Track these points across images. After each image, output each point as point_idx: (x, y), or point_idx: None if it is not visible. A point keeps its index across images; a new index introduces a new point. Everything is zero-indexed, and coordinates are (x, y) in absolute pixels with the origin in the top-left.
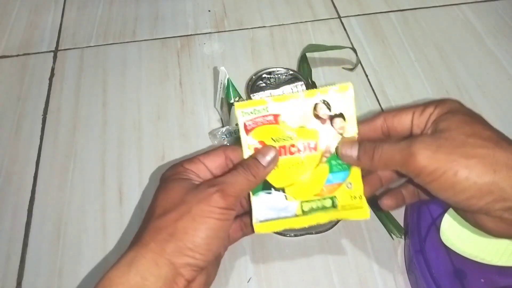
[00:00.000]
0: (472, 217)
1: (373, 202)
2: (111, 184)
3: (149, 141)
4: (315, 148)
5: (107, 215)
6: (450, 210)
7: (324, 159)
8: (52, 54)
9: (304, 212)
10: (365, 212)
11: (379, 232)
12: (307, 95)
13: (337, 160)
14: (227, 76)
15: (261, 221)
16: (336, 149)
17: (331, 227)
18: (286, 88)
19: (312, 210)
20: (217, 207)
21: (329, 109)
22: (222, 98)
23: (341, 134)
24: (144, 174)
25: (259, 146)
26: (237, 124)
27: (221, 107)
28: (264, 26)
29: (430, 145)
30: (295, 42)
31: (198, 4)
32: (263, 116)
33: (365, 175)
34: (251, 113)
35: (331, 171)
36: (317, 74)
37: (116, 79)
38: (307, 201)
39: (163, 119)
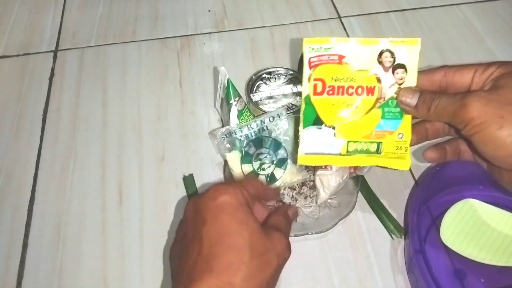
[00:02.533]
0: (508, 176)
1: (373, 201)
2: (111, 184)
3: (149, 141)
4: (372, 93)
5: (107, 215)
6: (450, 210)
7: (378, 104)
8: (52, 54)
9: (348, 152)
10: (407, 163)
11: (379, 232)
12: (374, 42)
13: (390, 107)
14: (227, 76)
15: (306, 153)
16: (396, 94)
17: (332, 227)
18: (286, 88)
19: (356, 151)
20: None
21: (394, 58)
22: (222, 98)
23: (399, 84)
24: (144, 174)
25: (319, 83)
26: (301, 59)
27: (221, 107)
28: (264, 26)
29: (482, 98)
30: (295, 42)
31: (198, 4)
32: (329, 54)
33: (414, 124)
34: (318, 49)
35: (383, 117)
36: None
37: (116, 79)
38: (354, 141)
39: (163, 119)
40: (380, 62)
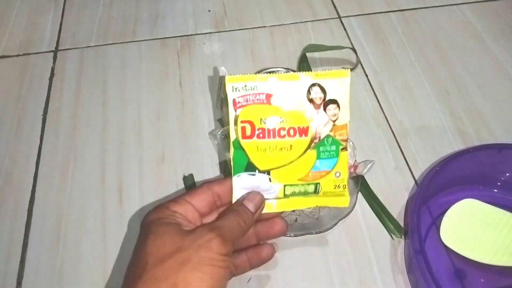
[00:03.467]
0: None
1: (373, 201)
2: (111, 184)
3: (149, 141)
4: (305, 133)
5: (107, 215)
6: (450, 210)
7: (313, 145)
8: (52, 54)
9: (285, 195)
10: (346, 200)
11: (379, 232)
12: (300, 77)
13: (326, 146)
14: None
15: None
16: (331, 132)
17: (332, 227)
18: None
19: (294, 194)
20: (219, 253)
21: (324, 93)
22: (222, 98)
23: (334, 121)
24: (144, 174)
25: (247, 125)
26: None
27: (221, 107)
28: (264, 26)
29: None
30: (295, 42)
31: (198, 4)
32: (255, 94)
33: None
34: (242, 89)
35: (318, 157)
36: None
37: (116, 79)
38: (290, 185)
39: (163, 119)
40: (311, 100)
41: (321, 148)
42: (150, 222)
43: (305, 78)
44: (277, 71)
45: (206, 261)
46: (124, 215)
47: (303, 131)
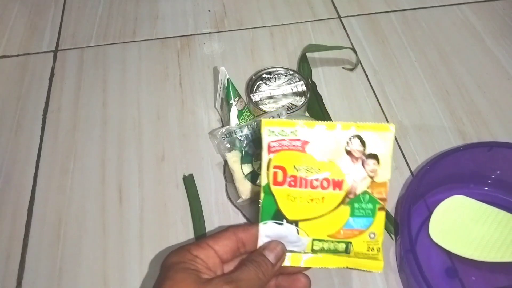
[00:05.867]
0: None
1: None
2: (111, 184)
3: (149, 141)
4: (339, 187)
5: (107, 215)
6: (439, 207)
7: (347, 200)
8: (52, 54)
9: (313, 251)
10: (380, 265)
11: None
12: (343, 127)
13: (361, 204)
14: (227, 76)
15: None
16: (368, 189)
17: None
18: (286, 88)
19: (322, 250)
20: None
21: (364, 147)
22: (222, 98)
23: (371, 177)
24: (144, 174)
25: (279, 171)
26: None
27: (221, 107)
28: (264, 26)
29: None
30: (295, 42)
31: (198, 4)
32: (291, 139)
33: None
34: (279, 133)
35: (352, 214)
36: (317, 74)
37: (116, 79)
38: (319, 240)
39: (163, 119)
40: (349, 152)
41: (356, 205)
42: (170, 266)
43: (345, 130)
44: (277, 71)
45: None
46: (124, 215)
47: (338, 184)
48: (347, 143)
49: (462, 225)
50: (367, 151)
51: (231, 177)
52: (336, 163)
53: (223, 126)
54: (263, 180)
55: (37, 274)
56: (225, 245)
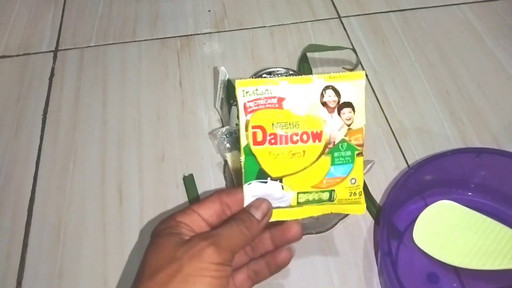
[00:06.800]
0: None
1: (370, 203)
2: (111, 184)
3: (149, 141)
4: (319, 139)
5: (107, 215)
6: (425, 212)
7: (327, 150)
8: (52, 54)
9: (299, 203)
10: (362, 208)
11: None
12: (316, 80)
13: (340, 152)
14: (227, 76)
15: None
16: (346, 137)
17: (332, 227)
18: None
19: (307, 202)
20: (212, 263)
21: (339, 97)
22: (222, 98)
23: (348, 125)
24: (144, 174)
25: (259, 131)
26: (235, 104)
27: (221, 107)
28: (264, 26)
29: None
30: (295, 42)
31: (198, 4)
32: (266, 97)
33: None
34: (253, 93)
35: (333, 163)
36: (317, 74)
37: (116, 79)
38: (304, 192)
39: (163, 119)
40: (324, 103)
41: (336, 154)
42: (155, 234)
43: (318, 81)
44: (277, 71)
45: (197, 271)
46: (124, 215)
47: (317, 136)
48: (322, 94)
49: (446, 231)
50: (342, 100)
51: (231, 177)
52: (313, 115)
53: (223, 126)
54: (243, 141)
55: (37, 274)
56: (209, 208)
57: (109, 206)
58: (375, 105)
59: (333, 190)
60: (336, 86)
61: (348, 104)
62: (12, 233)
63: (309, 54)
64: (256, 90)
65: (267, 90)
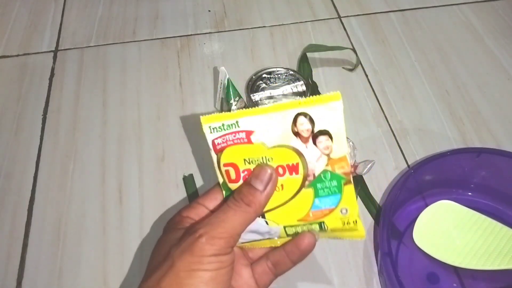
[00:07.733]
0: None
1: (370, 203)
2: (111, 184)
3: (149, 141)
4: (296, 171)
5: (107, 215)
6: (425, 211)
7: (308, 182)
8: (52, 54)
9: (288, 235)
10: (361, 233)
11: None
12: (285, 107)
13: (324, 183)
14: (227, 76)
15: (242, 243)
16: (328, 167)
17: None
18: (286, 88)
19: (297, 234)
20: (203, 256)
21: (312, 124)
22: (222, 98)
23: (327, 154)
24: (144, 174)
25: (231, 169)
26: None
27: (221, 107)
28: (264, 26)
29: None
30: (295, 42)
31: (198, 4)
32: (234, 132)
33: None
34: (220, 128)
35: (316, 195)
36: (317, 74)
37: (116, 79)
38: (291, 226)
39: (163, 119)
40: (296, 133)
41: (319, 185)
42: (163, 231)
43: (288, 110)
44: (277, 71)
45: (188, 266)
46: (124, 215)
47: (293, 169)
48: (294, 122)
49: (446, 231)
50: (316, 127)
51: None
52: (287, 147)
53: None
54: (219, 178)
55: (37, 274)
56: (214, 198)
57: (109, 206)
58: (375, 105)
59: (323, 222)
60: (308, 112)
61: (324, 132)
62: (12, 233)
63: (309, 54)
64: (223, 125)
65: (233, 124)
